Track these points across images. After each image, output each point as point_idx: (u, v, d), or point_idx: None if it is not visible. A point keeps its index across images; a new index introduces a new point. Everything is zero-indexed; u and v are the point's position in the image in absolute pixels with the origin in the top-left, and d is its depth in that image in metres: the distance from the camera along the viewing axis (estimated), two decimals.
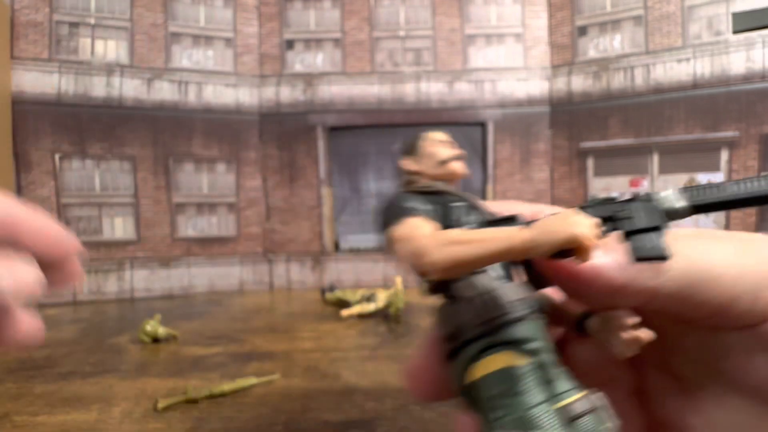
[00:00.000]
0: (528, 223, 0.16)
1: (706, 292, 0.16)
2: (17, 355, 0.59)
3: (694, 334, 0.18)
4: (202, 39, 1.11)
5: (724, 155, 1.01)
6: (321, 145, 1.15)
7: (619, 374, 0.21)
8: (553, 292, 0.19)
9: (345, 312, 0.79)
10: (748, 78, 0.98)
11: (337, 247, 1.17)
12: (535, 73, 1.15)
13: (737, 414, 0.18)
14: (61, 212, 1.02)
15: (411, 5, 1.16)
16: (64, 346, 0.66)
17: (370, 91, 1.15)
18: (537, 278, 0.18)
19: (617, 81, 1.09)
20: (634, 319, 0.17)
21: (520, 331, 0.17)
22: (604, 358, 0.19)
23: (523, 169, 1.16)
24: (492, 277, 0.18)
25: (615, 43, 1.09)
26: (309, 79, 1.15)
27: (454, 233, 0.16)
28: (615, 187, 1.10)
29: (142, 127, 1.07)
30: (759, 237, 0.17)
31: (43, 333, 0.17)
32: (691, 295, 0.16)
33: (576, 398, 0.15)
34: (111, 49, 1.05)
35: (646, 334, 0.16)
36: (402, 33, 1.16)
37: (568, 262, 0.16)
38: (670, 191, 0.17)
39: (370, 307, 0.79)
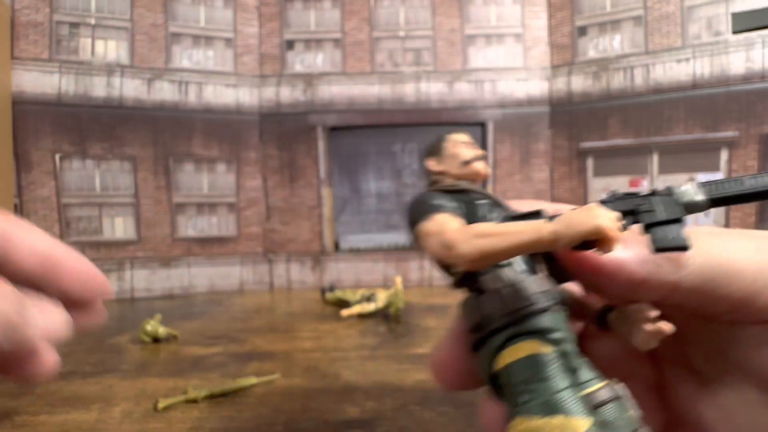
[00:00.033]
0: (551, 217, 0.16)
1: (726, 286, 0.16)
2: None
3: (713, 328, 0.18)
4: (203, 39, 1.11)
5: (724, 155, 1.01)
6: (321, 145, 1.15)
7: (638, 369, 0.21)
8: (573, 287, 0.20)
9: (345, 312, 0.79)
10: (747, 78, 0.98)
11: (337, 247, 1.17)
12: (535, 73, 1.15)
13: (755, 408, 0.18)
14: (61, 212, 1.02)
15: (411, 5, 1.16)
16: (64, 345, 0.65)
17: (370, 91, 1.15)
18: (558, 273, 0.19)
19: (617, 81, 1.09)
20: (655, 312, 0.17)
21: (545, 321, 0.17)
22: (624, 353, 0.20)
23: (523, 169, 1.16)
24: (517, 271, 0.18)
25: (615, 43, 1.09)
26: (309, 79, 1.15)
27: (481, 226, 0.17)
28: (615, 187, 1.10)
29: (142, 127, 1.07)
30: None
31: (59, 365, 0.17)
32: (712, 289, 0.16)
33: (600, 386, 0.16)
34: (111, 49, 1.05)
35: (667, 326, 0.16)
36: (402, 33, 1.16)
37: (591, 254, 0.16)
38: (689, 185, 0.18)
39: (370, 307, 0.79)
